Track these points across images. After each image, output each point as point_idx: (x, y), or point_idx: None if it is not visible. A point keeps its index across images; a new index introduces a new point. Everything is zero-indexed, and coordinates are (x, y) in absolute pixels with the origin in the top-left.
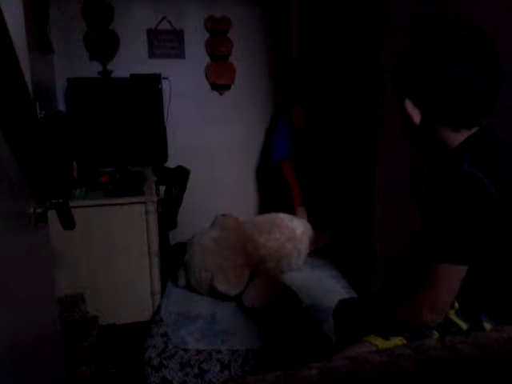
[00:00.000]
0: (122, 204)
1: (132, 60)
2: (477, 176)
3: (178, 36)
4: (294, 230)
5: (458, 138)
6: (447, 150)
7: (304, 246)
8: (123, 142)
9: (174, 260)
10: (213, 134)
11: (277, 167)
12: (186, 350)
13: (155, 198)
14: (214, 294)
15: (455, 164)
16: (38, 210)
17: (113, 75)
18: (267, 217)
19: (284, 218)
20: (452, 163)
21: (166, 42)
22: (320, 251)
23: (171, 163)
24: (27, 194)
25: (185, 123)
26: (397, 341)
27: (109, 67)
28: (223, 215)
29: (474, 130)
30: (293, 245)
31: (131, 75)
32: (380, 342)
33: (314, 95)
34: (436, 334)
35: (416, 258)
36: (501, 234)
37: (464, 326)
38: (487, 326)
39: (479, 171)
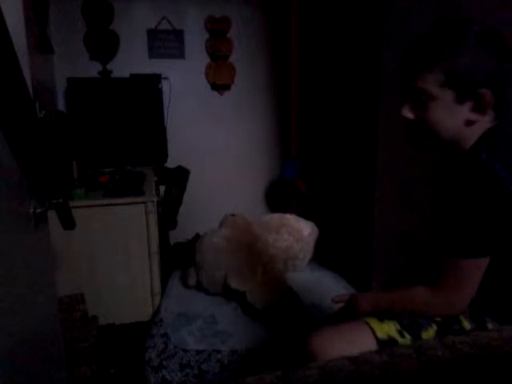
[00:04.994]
0: (122, 204)
1: (132, 60)
2: (494, 168)
3: (177, 36)
4: (301, 231)
5: (473, 133)
6: (462, 146)
7: (310, 247)
8: (123, 142)
9: (173, 260)
10: (213, 134)
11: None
12: (185, 351)
13: (155, 198)
14: (226, 292)
15: (472, 157)
16: (38, 210)
17: (113, 75)
18: (275, 217)
19: (291, 218)
20: (468, 157)
21: (166, 42)
22: (320, 253)
23: (171, 163)
24: (27, 194)
25: (185, 123)
26: (390, 324)
27: (109, 67)
28: (232, 215)
29: (489, 125)
30: (300, 246)
31: (131, 75)
32: (374, 323)
33: (314, 98)
34: (434, 328)
35: (428, 254)
36: None
37: (468, 325)
38: (490, 327)
39: (496, 164)
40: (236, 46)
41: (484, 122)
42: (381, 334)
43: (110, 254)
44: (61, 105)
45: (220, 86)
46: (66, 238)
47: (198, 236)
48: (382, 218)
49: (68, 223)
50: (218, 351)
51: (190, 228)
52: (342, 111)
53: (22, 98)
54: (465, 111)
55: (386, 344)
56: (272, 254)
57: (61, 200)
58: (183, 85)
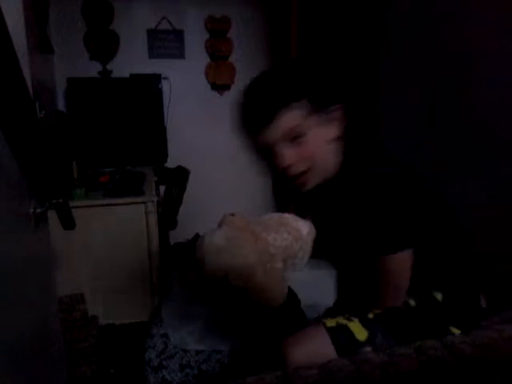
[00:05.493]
0: (122, 204)
1: (132, 60)
2: (392, 173)
3: (177, 36)
4: (300, 230)
5: (340, 148)
6: (337, 164)
7: (309, 247)
8: (123, 141)
9: (173, 260)
10: (213, 134)
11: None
12: (185, 351)
13: (155, 198)
14: (226, 292)
15: (368, 170)
16: (38, 210)
17: (113, 75)
18: (274, 216)
19: (289, 217)
20: (364, 170)
21: (166, 42)
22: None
23: (171, 163)
24: (27, 194)
25: (185, 123)
26: (340, 316)
27: (109, 67)
28: (232, 214)
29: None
30: (299, 245)
31: (131, 75)
32: (327, 319)
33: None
34: (375, 311)
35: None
36: (429, 213)
37: (412, 302)
38: (438, 296)
39: (390, 168)
40: (236, 46)
41: (340, 133)
42: (329, 324)
43: (110, 254)
44: (61, 105)
45: (220, 86)
46: (66, 238)
47: (197, 236)
48: None
49: (68, 223)
50: (218, 351)
51: (190, 228)
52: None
53: (22, 97)
54: (332, 130)
55: (335, 330)
56: (272, 253)
57: (61, 200)
58: (183, 85)
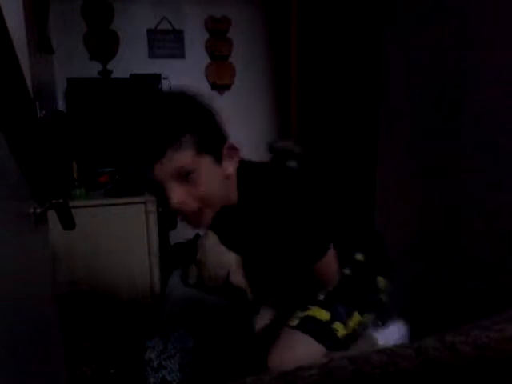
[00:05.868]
0: (122, 204)
1: (132, 60)
2: (288, 193)
3: (177, 36)
4: None
5: (233, 183)
6: (231, 198)
7: None
8: (123, 142)
9: (173, 260)
10: None
11: None
12: (185, 351)
13: (155, 198)
14: (227, 290)
15: (266, 195)
16: (38, 210)
17: (113, 75)
18: None
19: None
20: (262, 196)
21: (166, 42)
22: None
23: None
24: (27, 194)
25: None
26: (298, 312)
27: (109, 67)
28: None
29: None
30: None
31: (131, 75)
32: (290, 321)
33: (314, 98)
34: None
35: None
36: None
37: (347, 271)
38: (359, 256)
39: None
40: (236, 45)
41: (234, 169)
42: (294, 323)
43: (109, 254)
44: (61, 105)
45: (220, 86)
46: (66, 237)
47: (198, 236)
48: (381, 217)
49: (68, 223)
50: (218, 351)
51: (190, 228)
52: (342, 110)
53: (22, 97)
54: (225, 167)
55: (302, 324)
56: None
57: (61, 200)
58: (183, 85)
